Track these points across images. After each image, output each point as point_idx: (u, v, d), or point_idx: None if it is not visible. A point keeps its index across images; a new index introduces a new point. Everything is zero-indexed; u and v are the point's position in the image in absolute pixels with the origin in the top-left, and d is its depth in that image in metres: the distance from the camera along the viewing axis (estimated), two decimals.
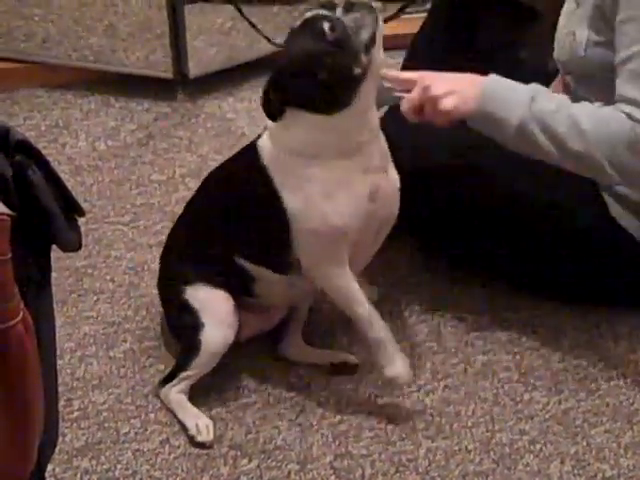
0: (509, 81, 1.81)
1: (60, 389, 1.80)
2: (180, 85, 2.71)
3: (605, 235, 1.97)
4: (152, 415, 1.87)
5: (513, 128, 1.77)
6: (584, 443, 1.82)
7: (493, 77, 1.82)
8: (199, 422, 1.83)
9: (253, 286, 1.89)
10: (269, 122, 1.77)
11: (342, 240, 1.78)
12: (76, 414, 1.87)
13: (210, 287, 1.87)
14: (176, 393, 1.87)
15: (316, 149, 1.74)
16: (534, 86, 1.81)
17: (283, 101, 1.72)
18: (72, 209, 1.39)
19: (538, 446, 1.81)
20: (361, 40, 1.68)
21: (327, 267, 1.81)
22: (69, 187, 2.32)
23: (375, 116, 1.79)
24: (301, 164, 1.75)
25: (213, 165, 2.42)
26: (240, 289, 1.89)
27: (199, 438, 1.82)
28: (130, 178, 2.43)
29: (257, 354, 1.99)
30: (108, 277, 2.17)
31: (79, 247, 1.40)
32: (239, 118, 2.62)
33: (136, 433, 1.84)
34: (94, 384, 1.93)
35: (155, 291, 2.12)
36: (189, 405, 1.87)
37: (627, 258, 1.98)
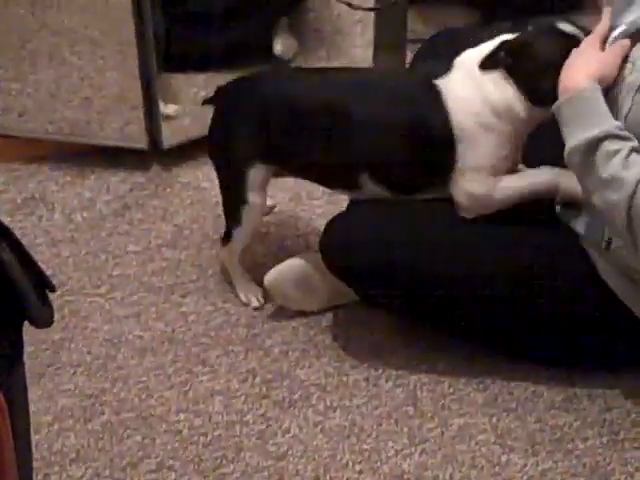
0: None
1: (37, 464, 1.81)
2: (155, 155, 2.73)
3: (588, 296, 1.98)
4: None
5: (592, 135, 1.76)
6: None
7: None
8: (248, 293, 2.26)
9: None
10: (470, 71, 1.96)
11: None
12: None
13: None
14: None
15: (506, 112, 1.95)
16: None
17: (509, 68, 1.92)
18: (44, 285, 1.40)
19: None
20: None
21: (481, 196, 2.00)
22: (45, 259, 2.37)
23: None
24: (486, 115, 1.95)
25: (189, 234, 2.47)
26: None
27: (252, 305, 2.26)
28: (106, 249, 2.44)
29: (238, 422, 2.00)
30: (85, 349, 2.17)
31: (51, 323, 1.41)
32: (214, 187, 2.61)
33: None
34: (71, 458, 1.93)
35: (133, 362, 2.13)
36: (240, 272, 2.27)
37: (608, 318, 1.99)
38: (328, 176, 2.14)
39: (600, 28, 1.88)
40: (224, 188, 2.23)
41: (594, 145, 1.75)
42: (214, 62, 2.97)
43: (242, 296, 2.28)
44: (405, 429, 1.98)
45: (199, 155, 2.74)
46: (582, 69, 1.82)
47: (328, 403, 2.04)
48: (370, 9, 2.73)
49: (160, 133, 2.70)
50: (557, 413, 2.01)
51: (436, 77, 1.98)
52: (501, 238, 2.02)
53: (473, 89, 1.96)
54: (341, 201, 2.30)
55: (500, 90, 1.94)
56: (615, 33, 1.88)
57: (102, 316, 2.26)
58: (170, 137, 2.72)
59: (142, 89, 2.66)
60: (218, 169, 2.23)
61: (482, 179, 1.99)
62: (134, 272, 2.38)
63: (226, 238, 2.25)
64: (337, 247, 2.05)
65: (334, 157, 2.06)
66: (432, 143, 1.99)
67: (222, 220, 2.46)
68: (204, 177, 2.68)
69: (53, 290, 1.43)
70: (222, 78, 2.89)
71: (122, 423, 2.00)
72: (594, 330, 2.01)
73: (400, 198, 2.07)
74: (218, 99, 2.20)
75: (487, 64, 1.94)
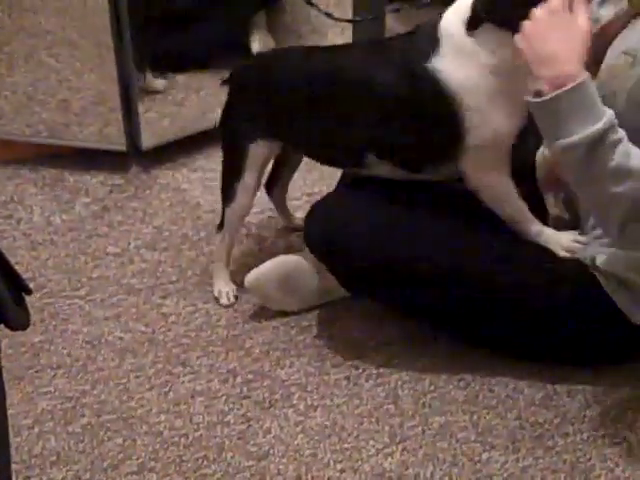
0: None
1: (17, 467, 1.80)
2: (134, 157, 2.73)
3: (567, 293, 1.98)
4: None
5: (600, 126, 1.69)
6: None
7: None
8: (222, 289, 2.28)
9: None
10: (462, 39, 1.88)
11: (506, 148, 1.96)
12: None
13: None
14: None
15: (501, 68, 1.87)
16: None
17: (488, 17, 1.84)
18: (19, 288, 1.40)
19: None
20: None
21: (493, 176, 1.98)
22: (24, 262, 2.37)
23: None
24: (487, 80, 1.88)
25: (168, 236, 2.47)
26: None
27: (221, 302, 2.28)
28: (86, 251, 2.44)
29: (219, 422, 2.00)
30: (65, 351, 2.17)
31: (27, 326, 1.40)
32: (193, 188, 2.64)
33: None
34: (52, 460, 1.92)
35: (113, 363, 2.13)
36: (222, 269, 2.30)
37: (589, 315, 1.98)
38: (333, 153, 2.14)
39: None
40: (225, 166, 2.24)
41: (601, 137, 1.69)
42: (192, 63, 2.98)
43: (215, 291, 2.30)
44: (386, 427, 1.98)
45: (178, 157, 2.75)
46: (567, 49, 1.71)
47: (309, 402, 2.04)
48: (350, 21, 2.75)
49: (139, 135, 2.70)
50: (537, 410, 2.01)
51: (427, 56, 1.90)
52: (498, 237, 2.02)
53: (469, 61, 1.87)
54: None
55: (493, 47, 1.85)
56: None
57: (82, 318, 2.25)
58: (149, 139, 2.72)
59: (120, 91, 2.66)
60: (222, 146, 2.24)
61: (489, 156, 1.95)
62: (113, 274, 2.38)
63: (220, 226, 2.27)
64: (322, 232, 2.07)
65: (337, 133, 2.05)
66: (436, 122, 1.94)
67: (201, 221, 2.48)
68: (183, 179, 2.68)
69: (29, 293, 1.42)
70: (199, 79, 2.92)
71: (102, 425, 2.00)
72: (577, 325, 2.01)
73: (408, 176, 2.05)
74: (231, 80, 2.22)
75: (472, 24, 1.85)
